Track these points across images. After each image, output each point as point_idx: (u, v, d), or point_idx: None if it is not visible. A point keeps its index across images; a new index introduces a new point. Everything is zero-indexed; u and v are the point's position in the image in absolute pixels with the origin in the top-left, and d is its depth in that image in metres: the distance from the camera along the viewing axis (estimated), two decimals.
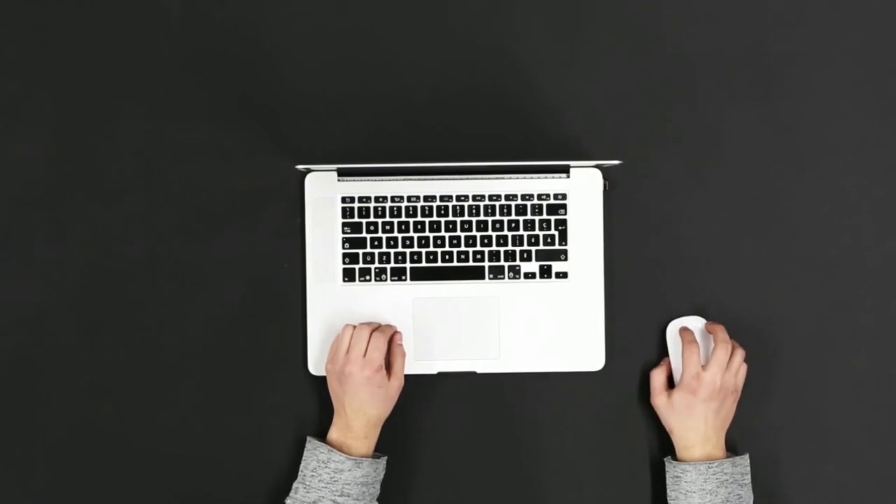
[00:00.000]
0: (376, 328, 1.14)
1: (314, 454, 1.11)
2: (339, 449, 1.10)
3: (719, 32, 1.22)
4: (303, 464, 1.12)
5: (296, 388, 1.20)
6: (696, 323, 1.19)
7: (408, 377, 1.16)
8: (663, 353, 1.20)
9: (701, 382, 1.12)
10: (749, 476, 1.13)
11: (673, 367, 1.19)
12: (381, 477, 1.13)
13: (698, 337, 1.17)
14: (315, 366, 1.19)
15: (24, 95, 1.21)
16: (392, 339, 1.15)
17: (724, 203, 1.21)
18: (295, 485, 1.11)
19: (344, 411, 1.12)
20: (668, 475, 1.14)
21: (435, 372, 1.19)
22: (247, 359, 1.20)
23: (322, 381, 1.18)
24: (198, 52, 1.22)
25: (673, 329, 1.20)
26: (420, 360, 1.19)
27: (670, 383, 1.17)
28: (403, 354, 1.16)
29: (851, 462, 1.20)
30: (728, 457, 1.13)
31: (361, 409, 1.11)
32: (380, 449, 1.14)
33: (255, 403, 1.20)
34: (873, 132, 1.22)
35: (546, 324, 1.20)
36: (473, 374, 1.20)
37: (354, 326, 1.13)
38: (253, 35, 1.22)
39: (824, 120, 1.22)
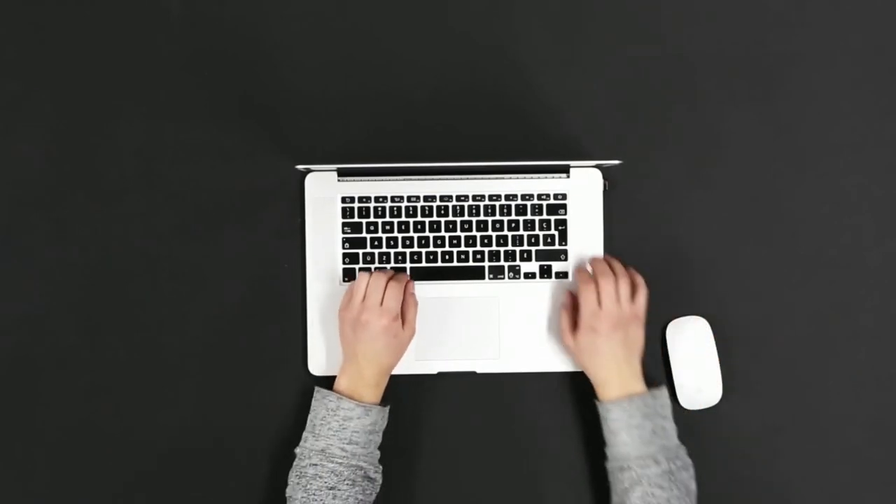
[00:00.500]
0: (392, 277, 1.15)
1: (323, 403, 1.11)
2: (350, 397, 1.11)
3: (719, 32, 1.22)
4: (312, 413, 1.12)
5: (296, 388, 1.20)
6: (696, 323, 1.20)
7: (408, 377, 1.16)
8: (663, 352, 1.20)
9: (598, 318, 1.12)
10: (670, 409, 1.13)
11: (674, 368, 1.19)
12: (385, 426, 1.13)
13: (695, 337, 1.17)
14: (315, 366, 1.19)
15: (24, 95, 1.21)
16: (405, 289, 1.15)
17: (724, 203, 1.21)
18: (304, 434, 1.11)
19: (356, 359, 1.12)
20: (600, 416, 1.13)
21: (435, 372, 1.19)
22: (247, 359, 1.20)
23: (322, 381, 1.18)
24: (198, 52, 1.22)
25: (673, 329, 1.20)
26: (420, 360, 1.19)
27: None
28: (416, 304, 1.17)
29: (851, 462, 1.20)
30: (649, 390, 1.12)
31: (375, 358, 1.12)
32: (379, 448, 1.14)
33: (255, 403, 1.20)
34: (873, 132, 1.22)
35: (546, 324, 1.20)
36: (473, 374, 1.20)
37: (371, 273, 1.13)
38: (253, 35, 1.22)
39: (824, 120, 1.22)
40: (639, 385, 1.12)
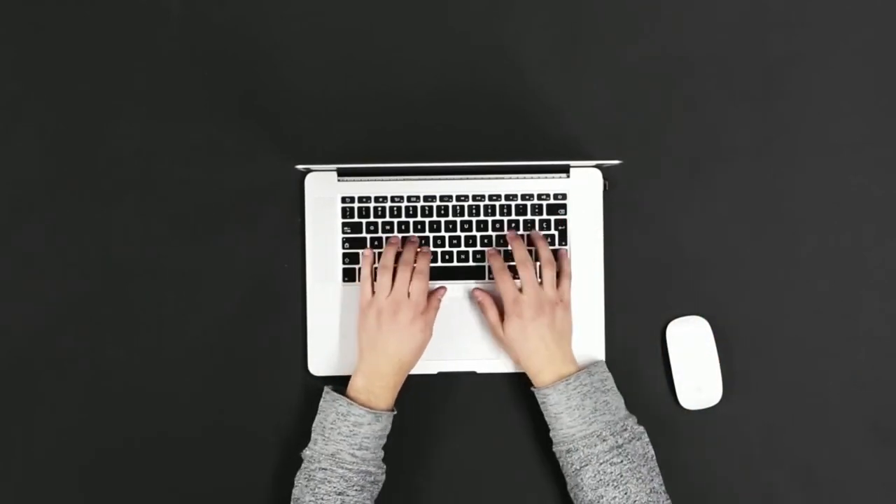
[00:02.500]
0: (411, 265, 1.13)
1: (333, 406, 1.10)
2: (366, 399, 1.10)
3: (719, 32, 1.22)
4: (321, 415, 1.11)
5: (296, 388, 1.20)
6: (696, 323, 1.20)
7: (408, 377, 1.16)
8: (663, 352, 1.20)
9: (521, 305, 1.11)
10: (611, 381, 1.13)
11: (674, 368, 1.20)
12: (390, 428, 1.12)
13: (695, 337, 1.18)
14: (315, 366, 1.19)
15: (24, 95, 1.21)
16: (434, 293, 1.15)
17: (724, 203, 1.21)
18: (313, 436, 1.11)
19: (374, 355, 1.11)
20: (539, 402, 1.13)
21: (435, 372, 1.19)
22: (247, 359, 1.20)
23: (322, 381, 1.18)
24: (198, 52, 1.22)
25: (673, 329, 1.20)
26: (420, 360, 1.19)
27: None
28: (438, 308, 1.16)
29: (851, 462, 1.20)
30: (583, 369, 1.12)
31: (398, 354, 1.10)
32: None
33: (255, 403, 1.20)
34: (873, 132, 1.22)
35: None
36: (473, 374, 1.20)
37: (395, 265, 1.12)
38: (253, 35, 1.22)
39: (824, 120, 1.22)
40: (572, 367, 1.12)
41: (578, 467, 1.08)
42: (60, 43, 1.22)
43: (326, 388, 1.12)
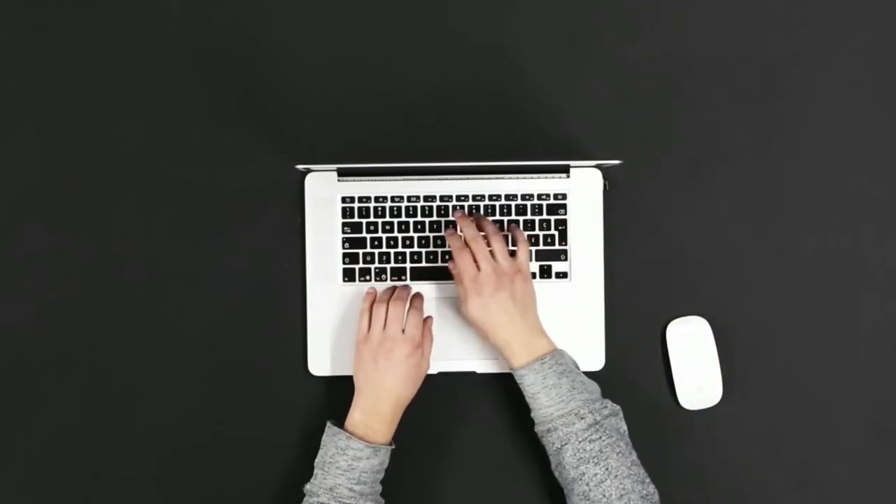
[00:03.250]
0: (407, 301, 1.13)
1: (333, 441, 1.09)
2: (364, 434, 1.09)
3: (719, 32, 1.22)
4: (322, 450, 1.10)
5: (296, 388, 1.20)
6: (696, 323, 1.20)
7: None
8: (663, 352, 1.20)
9: (479, 282, 1.11)
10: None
11: (674, 368, 1.19)
12: (387, 463, 1.12)
13: (695, 337, 1.18)
14: (315, 366, 1.19)
15: (24, 95, 1.21)
16: (425, 323, 1.15)
17: (724, 203, 1.21)
18: (315, 470, 1.10)
19: (371, 391, 1.10)
20: (518, 385, 1.13)
21: (435, 372, 1.19)
22: (247, 359, 1.20)
23: (322, 381, 1.18)
24: (198, 52, 1.22)
25: (673, 329, 1.20)
26: None
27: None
28: (432, 339, 1.16)
29: (851, 462, 1.20)
30: (557, 349, 1.12)
31: (395, 389, 1.10)
32: None
33: (255, 403, 1.20)
34: (873, 132, 1.22)
35: (546, 324, 1.19)
36: (473, 374, 1.20)
37: (387, 299, 1.12)
38: (253, 35, 1.22)
39: (824, 120, 1.22)
40: (543, 340, 1.12)
41: (559, 446, 1.07)
42: (60, 43, 1.22)
43: (328, 423, 1.12)
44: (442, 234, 1.19)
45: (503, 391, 1.20)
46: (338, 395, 1.17)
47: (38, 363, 1.20)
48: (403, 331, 1.11)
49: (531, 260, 1.19)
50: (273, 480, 1.19)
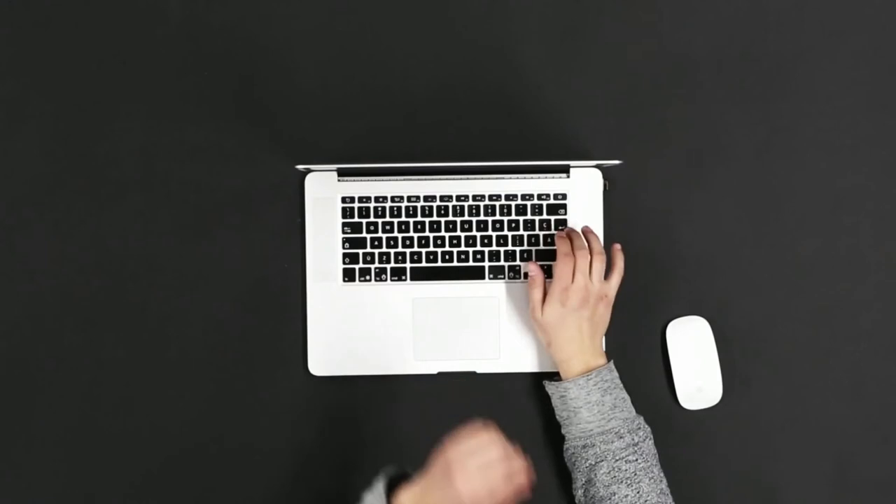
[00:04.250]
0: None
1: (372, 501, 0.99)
2: None
3: (719, 32, 1.22)
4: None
5: (296, 388, 1.20)
6: (696, 323, 1.20)
7: (408, 377, 1.17)
8: (663, 352, 1.20)
9: (568, 293, 1.11)
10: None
11: (674, 368, 1.19)
12: None
13: (695, 337, 1.18)
14: (315, 366, 1.19)
15: (24, 95, 1.21)
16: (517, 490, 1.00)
17: (724, 203, 1.21)
18: None
19: (444, 493, 0.97)
20: (553, 397, 1.13)
21: (435, 372, 1.19)
22: (247, 359, 1.20)
23: (322, 381, 1.18)
24: (198, 52, 1.22)
25: (673, 329, 1.20)
26: (420, 360, 1.19)
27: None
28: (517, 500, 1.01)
29: (851, 462, 1.20)
30: (606, 364, 1.12)
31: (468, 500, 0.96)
32: (379, 448, 1.14)
33: (254, 403, 1.20)
34: (872, 132, 1.22)
35: None
36: (473, 374, 1.20)
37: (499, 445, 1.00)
38: (253, 35, 1.22)
39: (824, 120, 1.22)
40: (601, 360, 1.12)
41: (593, 462, 1.08)
42: (60, 43, 1.21)
43: (381, 479, 1.00)
44: (442, 233, 1.19)
45: (503, 391, 1.20)
46: (338, 395, 1.17)
47: (38, 363, 1.20)
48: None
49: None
50: (273, 481, 1.19)
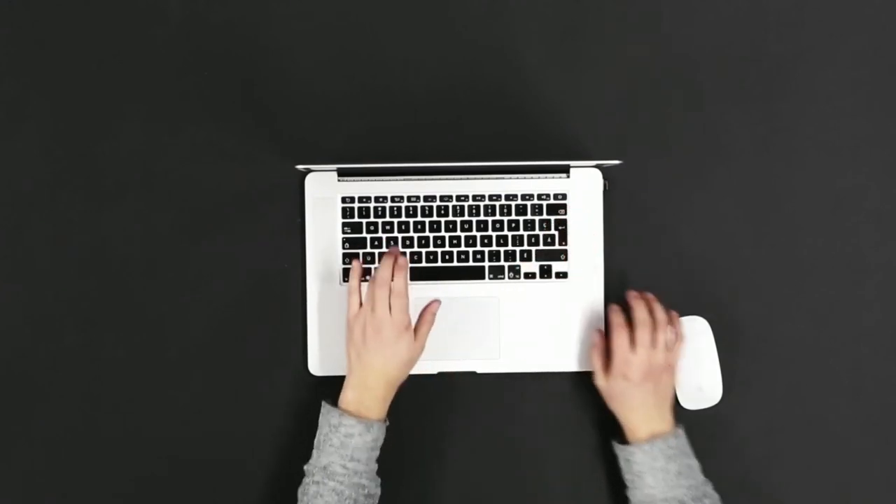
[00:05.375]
0: (390, 278, 1.10)
1: (326, 419, 1.09)
2: (356, 410, 1.09)
3: (719, 32, 1.22)
4: (319, 430, 1.10)
5: (296, 388, 1.20)
6: (696, 323, 1.20)
7: (408, 377, 1.16)
8: None
9: (631, 367, 1.11)
10: (689, 444, 1.13)
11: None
12: (383, 440, 1.11)
13: (695, 337, 1.18)
14: (315, 366, 1.19)
15: (24, 95, 1.21)
16: (428, 308, 1.13)
17: (724, 203, 1.21)
18: (313, 451, 1.10)
19: (362, 369, 1.10)
20: (619, 458, 1.13)
21: (435, 372, 1.19)
22: (247, 359, 1.20)
23: (322, 381, 1.18)
24: (198, 52, 1.22)
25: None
26: (420, 360, 1.19)
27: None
28: (432, 322, 1.13)
29: (851, 462, 1.20)
30: (672, 430, 1.12)
31: (383, 369, 1.09)
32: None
33: (254, 403, 1.20)
34: (872, 132, 1.22)
35: (546, 324, 1.20)
36: (473, 374, 1.20)
37: (376, 282, 1.09)
38: (253, 35, 1.22)
39: (824, 120, 1.22)
40: (667, 427, 1.12)
41: None
42: (60, 43, 1.22)
43: (323, 402, 1.11)
44: (442, 233, 1.19)
45: (503, 391, 1.20)
46: (338, 394, 1.17)
47: (38, 363, 1.20)
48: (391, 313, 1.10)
49: (532, 260, 1.19)
50: (273, 481, 1.19)
